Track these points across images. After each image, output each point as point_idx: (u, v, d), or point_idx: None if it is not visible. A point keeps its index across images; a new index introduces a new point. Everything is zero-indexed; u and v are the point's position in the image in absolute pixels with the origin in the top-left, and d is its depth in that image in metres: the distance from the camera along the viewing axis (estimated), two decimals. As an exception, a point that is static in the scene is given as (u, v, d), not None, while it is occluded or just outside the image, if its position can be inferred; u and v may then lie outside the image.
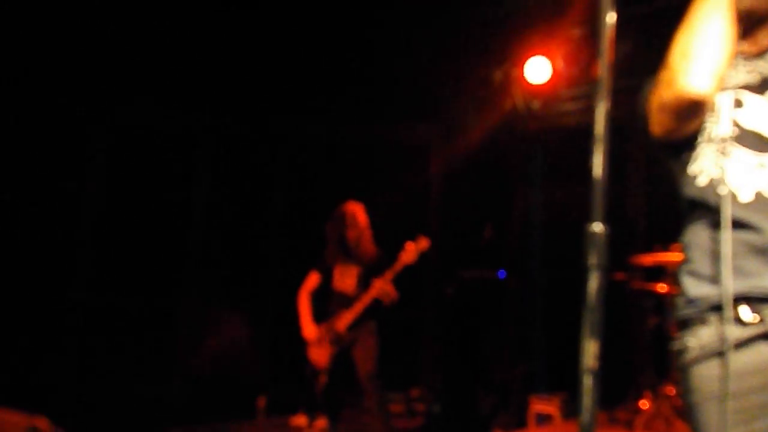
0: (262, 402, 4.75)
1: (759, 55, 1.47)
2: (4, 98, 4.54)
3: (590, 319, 1.04)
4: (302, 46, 5.22)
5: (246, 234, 5.69)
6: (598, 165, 1.08)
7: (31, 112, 4.80)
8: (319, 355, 4.00)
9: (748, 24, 1.42)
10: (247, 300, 5.52)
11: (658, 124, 1.41)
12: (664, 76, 1.35)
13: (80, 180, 5.12)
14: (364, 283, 3.99)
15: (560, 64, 4.86)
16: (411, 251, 3.92)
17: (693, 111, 1.34)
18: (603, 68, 1.10)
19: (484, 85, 5.29)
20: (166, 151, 5.42)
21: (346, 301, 3.99)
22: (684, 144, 1.45)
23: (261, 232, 5.83)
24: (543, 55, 4.91)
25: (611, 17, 1.14)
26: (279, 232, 5.91)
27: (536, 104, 5.18)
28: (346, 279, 4.07)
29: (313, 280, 4.17)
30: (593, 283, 1.05)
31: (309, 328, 4.04)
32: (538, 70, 4.96)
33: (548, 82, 4.98)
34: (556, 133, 5.20)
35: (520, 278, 4.88)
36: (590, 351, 1.05)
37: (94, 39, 4.76)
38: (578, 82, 4.89)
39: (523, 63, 5.00)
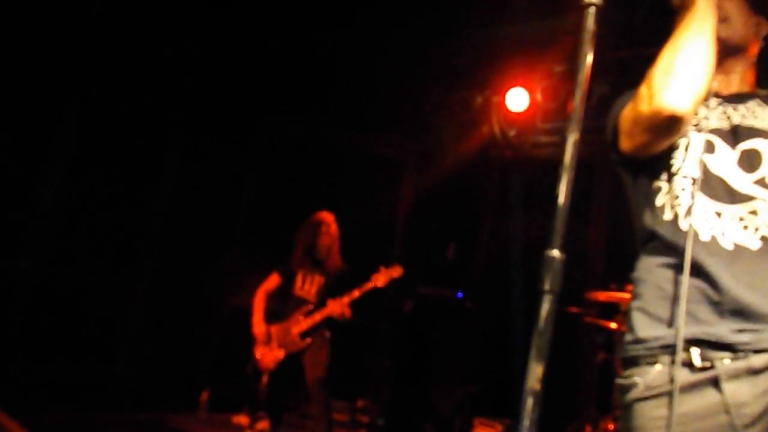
0: (204, 396, 4.68)
1: (731, 99, 1.51)
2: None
3: (538, 342, 1.07)
4: (290, 47, 5.23)
5: (209, 228, 5.62)
6: (562, 192, 1.11)
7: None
8: (265, 356, 3.97)
9: (722, 54, 1.44)
10: (200, 290, 5.44)
11: (629, 137, 1.41)
12: (644, 90, 1.35)
13: (45, 158, 4.99)
14: (325, 294, 3.99)
15: (539, 96, 4.98)
16: (382, 277, 3.94)
17: (669, 127, 1.35)
18: (577, 101, 1.14)
19: (464, 109, 5.37)
20: (137, 138, 5.32)
21: (304, 308, 3.98)
22: (649, 168, 1.46)
23: (224, 228, 5.78)
24: (523, 86, 5.03)
25: (589, 56, 1.17)
26: (243, 230, 5.86)
27: (513, 133, 5.28)
28: (307, 286, 4.06)
29: (273, 280, 4.14)
30: (545, 307, 1.07)
31: (259, 327, 4.02)
32: (517, 100, 5.07)
33: (526, 112, 5.10)
34: (530, 163, 5.30)
35: (479, 301, 4.92)
36: (535, 373, 1.07)
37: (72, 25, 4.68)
38: (555, 116, 5.01)
39: (504, 92, 5.11)
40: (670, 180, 1.43)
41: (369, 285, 3.93)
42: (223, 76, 5.42)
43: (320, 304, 3.96)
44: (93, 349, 4.99)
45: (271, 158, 5.92)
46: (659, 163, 1.45)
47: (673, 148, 1.44)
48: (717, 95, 1.50)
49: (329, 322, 3.96)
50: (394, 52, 5.13)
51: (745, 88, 1.55)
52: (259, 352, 4.00)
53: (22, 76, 4.56)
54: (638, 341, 1.37)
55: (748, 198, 1.36)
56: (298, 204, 4.46)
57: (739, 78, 1.54)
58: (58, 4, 4.58)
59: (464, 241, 5.27)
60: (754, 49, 1.59)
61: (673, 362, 1.29)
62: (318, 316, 3.92)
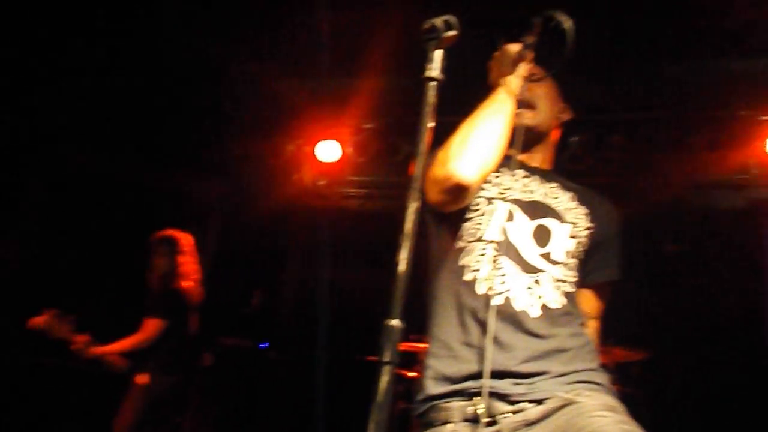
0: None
1: (535, 171, 1.68)
2: None
3: (376, 416, 1.03)
4: (78, 69, 4.74)
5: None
6: (403, 260, 1.10)
7: None
8: None
9: (528, 138, 1.62)
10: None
11: (429, 193, 1.50)
12: (441, 155, 1.48)
13: None
14: None
15: (350, 150, 5.13)
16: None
17: (456, 193, 1.48)
18: (418, 169, 1.15)
19: (274, 156, 5.32)
20: None
21: None
22: (454, 225, 1.57)
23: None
24: (335, 138, 5.15)
25: (430, 127, 1.20)
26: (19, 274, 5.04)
27: (323, 183, 5.34)
28: None
29: None
30: (384, 379, 1.04)
31: None
32: (328, 151, 5.17)
33: (337, 164, 5.21)
34: (339, 214, 5.38)
35: (285, 351, 4.79)
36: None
37: None
38: (364, 169, 5.19)
39: (315, 142, 5.19)
40: (473, 242, 1.54)
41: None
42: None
43: None
44: None
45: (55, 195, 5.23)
46: (464, 224, 1.56)
47: (479, 212, 1.56)
48: (523, 165, 1.65)
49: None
50: (208, 90, 4.94)
51: (546, 167, 1.75)
52: None
53: None
54: (429, 398, 1.45)
55: (535, 269, 1.52)
56: (86, 245, 3.97)
57: (540, 157, 1.73)
58: None
59: (271, 290, 5.13)
60: (556, 135, 1.81)
61: (465, 420, 1.38)
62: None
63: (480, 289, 1.47)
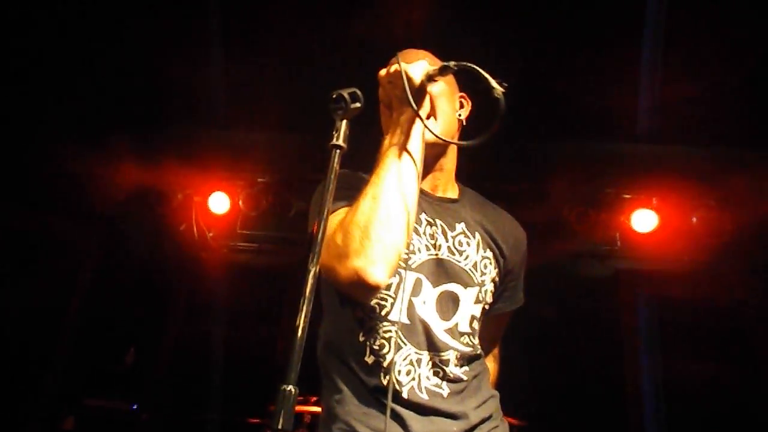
0: None
1: (440, 210, 1.53)
2: None
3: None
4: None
5: None
6: (300, 327, 1.10)
7: None
8: None
9: (429, 156, 1.43)
10: None
11: (328, 273, 1.30)
12: (339, 238, 1.27)
13: None
14: None
15: (241, 203, 5.04)
16: None
17: (364, 291, 1.30)
18: (320, 234, 1.16)
19: (161, 204, 5.11)
20: None
21: None
22: (353, 303, 1.44)
23: None
24: (226, 191, 5.06)
25: (332, 191, 1.22)
26: None
27: (211, 234, 5.18)
28: None
29: None
30: (277, 446, 1.02)
31: None
32: (219, 203, 5.06)
33: (227, 216, 5.10)
34: (226, 267, 5.22)
35: (158, 413, 4.46)
36: None
37: None
38: (255, 223, 5.11)
39: (207, 193, 5.06)
40: (376, 320, 1.42)
41: None
42: None
43: None
44: None
45: None
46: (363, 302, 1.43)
47: (389, 283, 1.41)
48: (427, 195, 1.53)
49: None
50: (90, 124, 4.69)
51: (450, 187, 1.60)
52: None
53: None
54: None
55: (443, 348, 1.44)
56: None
57: (445, 178, 1.57)
58: None
59: (146, 346, 4.81)
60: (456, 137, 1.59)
61: None
62: None
63: (384, 376, 1.38)
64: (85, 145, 4.63)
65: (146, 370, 4.78)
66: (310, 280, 1.12)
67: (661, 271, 4.99)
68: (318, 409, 3.65)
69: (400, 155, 1.32)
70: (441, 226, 1.52)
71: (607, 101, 4.25)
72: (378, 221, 1.25)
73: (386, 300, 1.44)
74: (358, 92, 1.29)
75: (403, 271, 1.42)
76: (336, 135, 1.24)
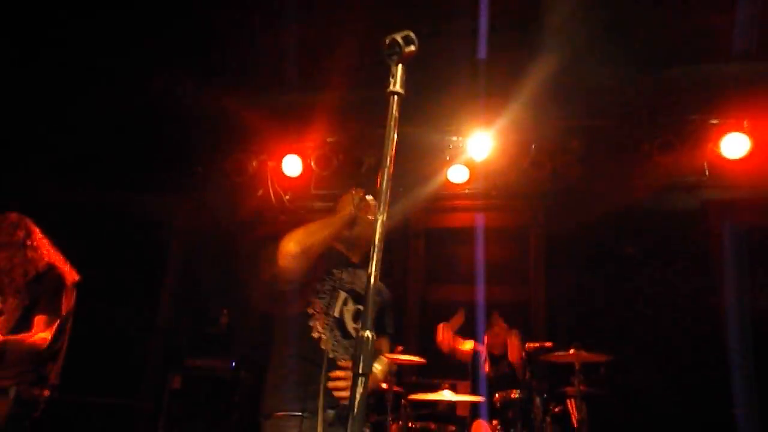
0: None
1: (356, 266, 2.42)
2: None
3: (353, 427, 1.04)
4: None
5: None
6: (372, 274, 1.12)
7: None
8: None
9: (350, 247, 2.43)
10: None
11: (279, 259, 2.20)
12: (291, 234, 2.21)
13: None
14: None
15: (313, 164, 5.12)
16: None
17: (282, 259, 2.17)
18: (384, 183, 1.17)
19: (238, 172, 5.26)
20: None
21: None
22: (308, 295, 2.28)
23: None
24: (298, 153, 5.15)
25: (394, 139, 1.22)
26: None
27: (287, 197, 5.32)
28: None
29: None
30: (359, 390, 1.05)
31: None
32: (292, 166, 5.17)
33: (300, 178, 5.21)
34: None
35: (256, 370, 4.70)
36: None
37: None
38: (328, 183, 5.19)
39: (280, 158, 5.18)
40: (320, 313, 2.29)
41: None
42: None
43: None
44: None
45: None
46: (316, 298, 2.30)
47: (328, 294, 2.31)
48: (350, 262, 2.42)
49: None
50: (164, 109, 4.88)
51: (358, 259, 2.48)
52: None
53: None
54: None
55: (352, 337, 2.33)
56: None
57: (359, 254, 2.47)
58: None
59: (238, 308, 5.05)
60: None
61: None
62: None
63: (323, 346, 2.24)
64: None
65: (240, 330, 5.03)
66: (378, 229, 1.14)
67: (753, 200, 4.70)
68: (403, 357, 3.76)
69: (333, 222, 2.35)
70: (356, 272, 2.46)
71: (693, 21, 3.99)
72: (306, 230, 2.24)
73: (330, 304, 2.32)
74: (412, 35, 1.26)
75: (340, 290, 2.35)
76: (393, 81, 1.23)
